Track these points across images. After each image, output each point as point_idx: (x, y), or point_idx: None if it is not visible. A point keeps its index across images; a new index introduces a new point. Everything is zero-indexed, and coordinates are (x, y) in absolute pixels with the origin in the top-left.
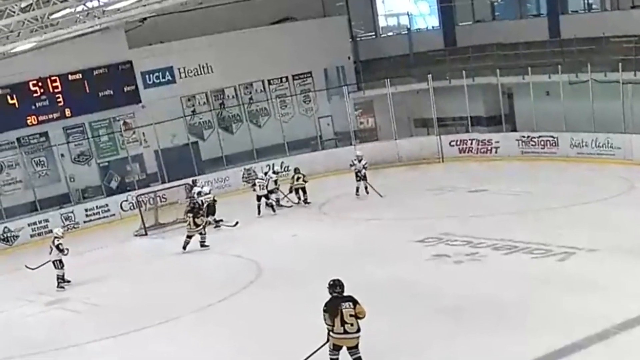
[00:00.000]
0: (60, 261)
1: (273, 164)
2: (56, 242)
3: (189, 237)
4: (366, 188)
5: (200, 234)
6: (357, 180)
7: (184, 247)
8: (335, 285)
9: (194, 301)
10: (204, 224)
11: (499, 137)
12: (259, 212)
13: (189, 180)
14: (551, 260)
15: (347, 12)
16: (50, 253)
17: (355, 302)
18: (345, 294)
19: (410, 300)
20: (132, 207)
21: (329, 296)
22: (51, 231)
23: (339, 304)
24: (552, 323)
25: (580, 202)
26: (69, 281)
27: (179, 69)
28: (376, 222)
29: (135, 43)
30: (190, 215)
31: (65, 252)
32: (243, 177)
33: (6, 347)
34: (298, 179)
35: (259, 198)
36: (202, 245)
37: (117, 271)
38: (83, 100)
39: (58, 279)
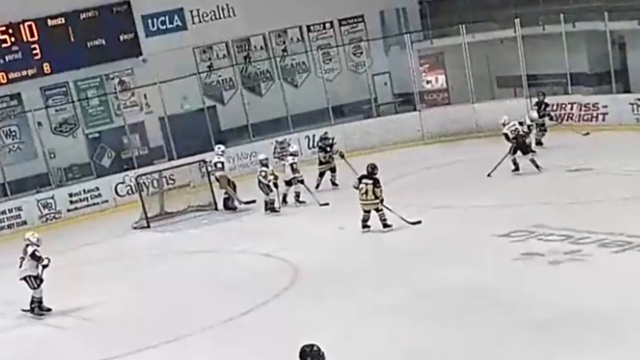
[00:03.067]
0: (37, 277)
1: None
2: (30, 250)
3: (378, 210)
4: (538, 167)
5: (377, 210)
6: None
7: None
8: (307, 355)
9: (210, 314)
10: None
11: (608, 100)
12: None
13: (214, 154)
14: None
15: None
16: (21, 265)
17: None
18: None
19: (492, 312)
20: (130, 192)
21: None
22: (25, 223)
23: None
24: None
25: None
26: (49, 309)
27: (191, 11)
28: (448, 211)
29: None
30: (369, 183)
31: (45, 262)
32: (275, 153)
33: None
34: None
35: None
36: (384, 226)
37: (111, 275)
38: (66, 52)
39: (33, 302)
